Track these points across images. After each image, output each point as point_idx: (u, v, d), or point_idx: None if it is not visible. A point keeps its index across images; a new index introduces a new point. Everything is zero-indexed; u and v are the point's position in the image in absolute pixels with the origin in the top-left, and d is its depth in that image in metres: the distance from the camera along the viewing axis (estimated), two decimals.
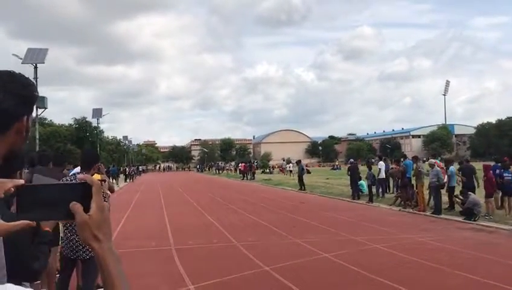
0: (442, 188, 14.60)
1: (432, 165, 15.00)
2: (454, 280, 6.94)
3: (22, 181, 0.96)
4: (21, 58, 26.00)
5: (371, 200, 18.45)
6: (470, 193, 13.50)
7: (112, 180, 37.35)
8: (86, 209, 0.91)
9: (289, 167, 49.59)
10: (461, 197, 13.63)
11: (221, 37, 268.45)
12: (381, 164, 20.33)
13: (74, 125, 59.83)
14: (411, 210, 15.30)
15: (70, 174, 6.24)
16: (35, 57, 26.33)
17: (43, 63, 26.47)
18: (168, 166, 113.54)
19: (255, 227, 12.75)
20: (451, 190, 14.85)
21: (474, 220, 12.56)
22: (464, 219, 12.82)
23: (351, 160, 25.51)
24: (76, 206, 0.91)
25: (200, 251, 9.54)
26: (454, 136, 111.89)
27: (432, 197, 15.07)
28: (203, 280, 7.03)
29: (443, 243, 9.79)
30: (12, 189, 0.95)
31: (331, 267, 7.89)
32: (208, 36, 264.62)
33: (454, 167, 15.40)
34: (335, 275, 7.37)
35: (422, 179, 15.19)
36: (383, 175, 19.85)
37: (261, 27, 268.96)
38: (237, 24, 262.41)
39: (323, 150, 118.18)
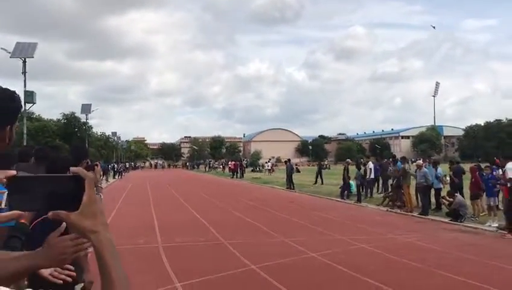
0: (430, 189, 14.75)
1: (419, 166, 15.13)
2: (438, 280, 7.01)
3: (14, 172, 0.96)
4: (9, 52, 25.73)
5: (359, 200, 18.55)
6: (456, 194, 13.65)
7: (103, 176, 37.20)
8: (78, 202, 0.92)
9: (267, 166, 51.05)
10: (448, 199, 13.76)
11: (214, 34, 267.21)
12: (371, 165, 20.43)
13: (63, 121, 59.29)
14: (399, 211, 15.42)
15: None
16: (24, 51, 26.08)
17: (32, 57, 26.24)
18: (158, 163, 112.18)
19: (243, 226, 12.77)
20: (437, 191, 15.00)
21: (461, 221, 12.70)
22: (450, 220, 12.95)
23: (348, 160, 25.16)
24: (57, 214, 0.92)
25: (187, 249, 9.54)
26: (443, 137, 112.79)
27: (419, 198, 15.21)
28: (190, 278, 7.03)
29: (429, 243, 9.88)
30: (4, 180, 0.95)
31: (317, 266, 7.93)
32: (200, 33, 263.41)
33: (441, 169, 15.55)
34: (320, 274, 7.41)
35: (408, 179, 15.30)
36: (372, 175, 19.96)
37: (254, 25, 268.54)
38: (230, 21, 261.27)
39: (313, 150, 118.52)
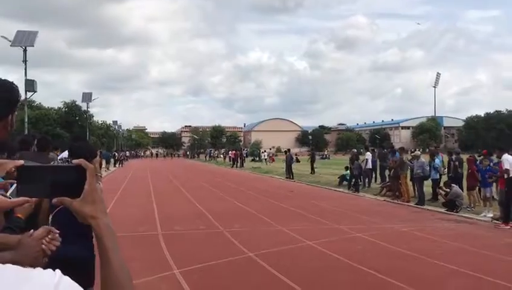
0: (426, 180, 14.88)
1: (416, 157, 15.25)
2: (433, 269, 7.15)
3: (22, 162, 1.08)
4: (10, 41, 25.66)
5: (357, 190, 18.69)
6: (453, 184, 13.77)
7: (106, 164, 37.34)
8: (80, 190, 1.01)
9: (264, 156, 52.52)
10: (445, 189, 13.89)
11: (215, 23, 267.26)
12: (368, 155, 20.56)
13: (64, 109, 59.19)
14: (396, 201, 15.55)
15: (58, 158, 6.30)
16: (24, 39, 25.97)
17: (33, 46, 26.16)
18: (159, 152, 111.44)
19: (242, 214, 12.91)
20: (434, 182, 15.12)
21: (456, 212, 12.84)
22: (446, 210, 13.09)
23: (354, 150, 24.92)
24: (61, 200, 1.01)
25: (186, 237, 9.68)
26: (443, 128, 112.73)
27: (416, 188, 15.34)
28: (188, 264, 7.18)
29: (425, 233, 10.02)
30: (13, 169, 1.06)
31: (313, 254, 8.08)
32: (201, 21, 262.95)
33: (439, 159, 15.65)
34: (316, 262, 7.55)
35: (405, 170, 15.43)
36: (369, 166, 20.09)
37: (255, 14, 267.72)
38: (231, 10, 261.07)
39: (313, 140, 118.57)
